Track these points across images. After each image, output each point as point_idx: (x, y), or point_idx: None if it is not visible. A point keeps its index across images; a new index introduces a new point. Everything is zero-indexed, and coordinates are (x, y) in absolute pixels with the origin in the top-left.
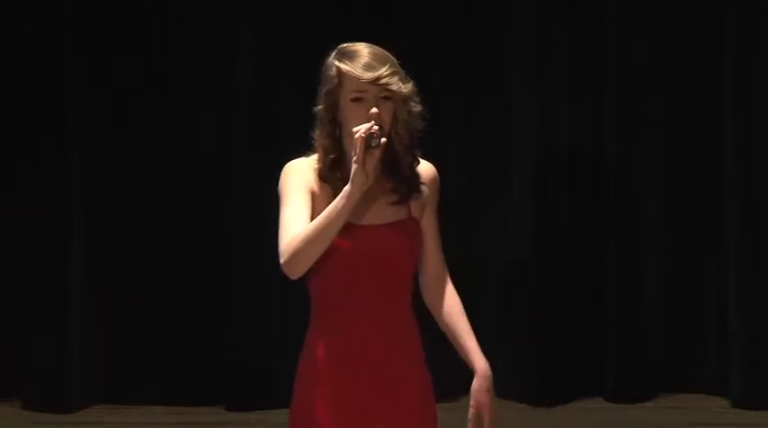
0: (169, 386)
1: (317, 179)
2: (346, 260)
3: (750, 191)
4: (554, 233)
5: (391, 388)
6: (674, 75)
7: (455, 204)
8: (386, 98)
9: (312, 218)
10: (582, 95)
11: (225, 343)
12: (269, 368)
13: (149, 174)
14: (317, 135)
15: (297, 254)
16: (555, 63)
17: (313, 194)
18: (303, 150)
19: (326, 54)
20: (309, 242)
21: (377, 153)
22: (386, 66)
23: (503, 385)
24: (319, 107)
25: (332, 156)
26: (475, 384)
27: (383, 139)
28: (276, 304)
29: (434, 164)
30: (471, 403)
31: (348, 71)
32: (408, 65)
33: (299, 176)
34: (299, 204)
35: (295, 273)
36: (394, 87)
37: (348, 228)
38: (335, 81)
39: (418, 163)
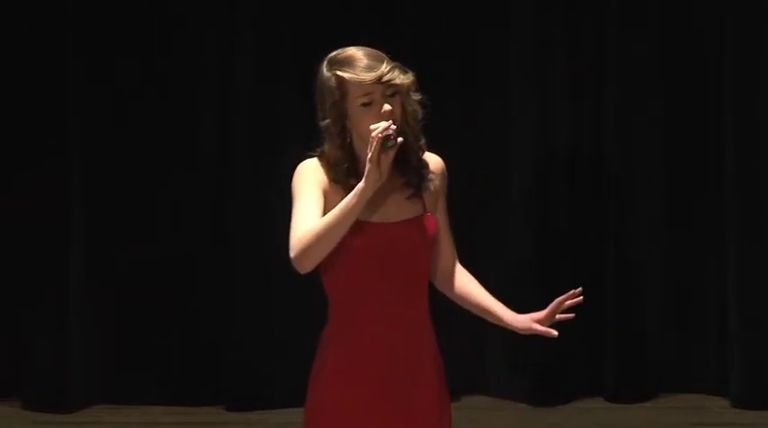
0: (169, 386)
1: (329, 179)
2: (363, 258)
3: (750, 191)
4: (554, 233)
5: (410, 389)
6: (674, 75)
7: (455, 204)
8: (392, 95)
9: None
10: (582, 95)
11: (225, 343)
12: (269, 368)
13: (149, 174)
14: (328, 148)
15: (306, 249)
16: (555, 63)
17: (325, 193)
18: (303, 151)
19: (318, 66)
20: (319, 237)
21: (391, 152)
22: (384, 63)
23: (503, 385)
24: (326, 121)
25: (346, 165)
26: (532, 316)
27: (399, 139)
28: (276, 304)
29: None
30: (545, 312)
31: (351, 78)
32: (408, 65)
33: (312, 176)
34: (311, 202)
35: (304, 268)
36: (398, 81)
37: (365, 226)
38: (339, 92)
39: (424, 151)
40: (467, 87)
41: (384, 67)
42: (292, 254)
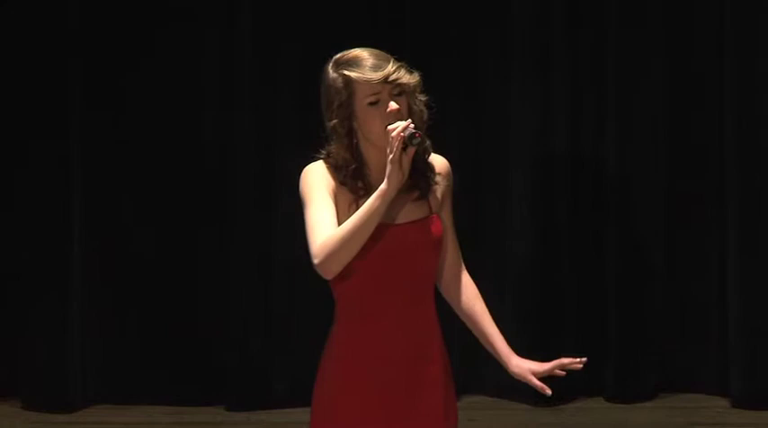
0: (169, 386)
1: (336, 181)
2: (371, 260)
3: (750, 191)
4: (554, 233)
5: (418, 389)
6: (675, 76)
7: (455, 204)
8: (398, 94)
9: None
10: (582, 96)
11: (225, 343)
12: (269, 368)
13: (149, 174)
14: (335, 149)
15: (332, 254)
16: (555, 63)
17: (334, 196)
18: (303, 151)
19: (324, 68)
20: (344, 242)
21: (411, 151)
22: (390, 63)
23: (503, 385)
24: (333, 122)
25: (353, 166)
26: (530, 368)
27: (422, 136)
28: (276, 304)
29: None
30: (545, 368)
31: (358, 77)
32: (408, 65)
33: (321, 179)
34: (325, 206)
35: (330, 274)
36: (405, 80)
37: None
38: (346, 92)
39: (430, 153)
40: (467, 87)
41: (390, 67)
42: (316, 260)
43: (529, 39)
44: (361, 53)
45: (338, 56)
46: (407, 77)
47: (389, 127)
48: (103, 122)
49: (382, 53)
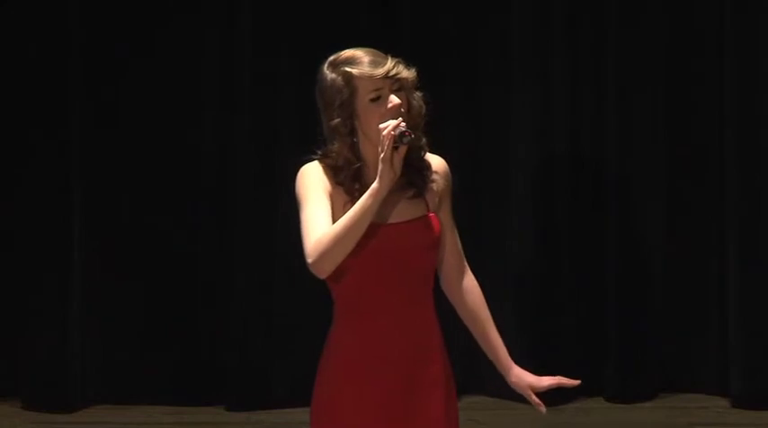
0: (169, 386)
1: (332, 181)
2: (367, 259)
3: (750, 191)
4: (554, 233)
5: (418, 388)
6: (675, 76)
7: (455, 205)
8: (398, 89)
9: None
10: (582, 96)
11: (225, 343)
12: (269, 368)
13: (149, 174)
14: (336, 149)
15: (325, 253)
16: (555, 63)
17: (330, 196)
18: (303, 151)
19: (319, 70)
20: (337, 241)
21: (403, 149)
22: (389, 59)
23: (503, 385)
24: (335, 121)
25: (355, 166)
26: (530, 383)
27: (413, 135)
28: (276, 304)
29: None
30: (543, 385)
31: (360, 73)
32: (408, 65)
33: (316, 179)
34: (320, 205)
35: (323, 273)
36: (404, 75)
37: (368, 227)
38: (348, 90)
39: (425, 151)
40: (467, 87)
41: (390, 62)
42: (310, 259)
43: (529, 39)
44: (356, 52)
45: (333, 57)
46: (406, 72)
47: (380, 125)
48: (103, 123)
49: (376, 51)
